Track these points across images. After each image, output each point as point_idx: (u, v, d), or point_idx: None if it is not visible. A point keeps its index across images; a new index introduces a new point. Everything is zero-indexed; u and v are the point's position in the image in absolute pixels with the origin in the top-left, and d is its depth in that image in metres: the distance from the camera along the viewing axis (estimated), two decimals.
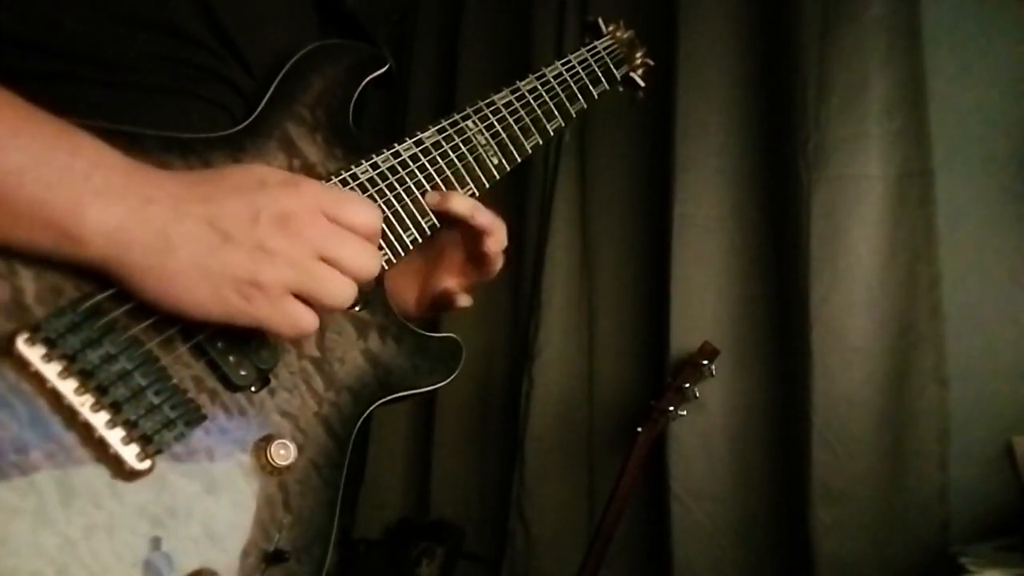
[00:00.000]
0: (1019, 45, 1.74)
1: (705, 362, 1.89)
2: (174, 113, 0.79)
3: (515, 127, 1.02)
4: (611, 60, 1.20)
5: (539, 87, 1.07)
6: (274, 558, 0.72)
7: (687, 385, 1.89)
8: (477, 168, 0.96)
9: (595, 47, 1.19)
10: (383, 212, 0.84)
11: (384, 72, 0.95)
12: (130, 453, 0.63)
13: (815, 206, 1.84)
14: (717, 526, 2.00)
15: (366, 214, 0.72)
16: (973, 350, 1.73)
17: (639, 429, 1.88)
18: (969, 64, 1.79)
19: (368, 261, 0.71)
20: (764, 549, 1.96)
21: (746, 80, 2.06)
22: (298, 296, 0.67)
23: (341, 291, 0.69)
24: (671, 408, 1.89)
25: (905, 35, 1.80)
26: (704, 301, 2.06)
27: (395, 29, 2.79)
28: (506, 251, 0.99)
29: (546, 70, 1.09)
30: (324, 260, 0.67)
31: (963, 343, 1.73)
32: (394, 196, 0.87)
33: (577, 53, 1.16)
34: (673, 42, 2.09)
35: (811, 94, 1.87)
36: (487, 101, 1.01)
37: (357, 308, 0.85)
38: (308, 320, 0.68)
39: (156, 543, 0.65)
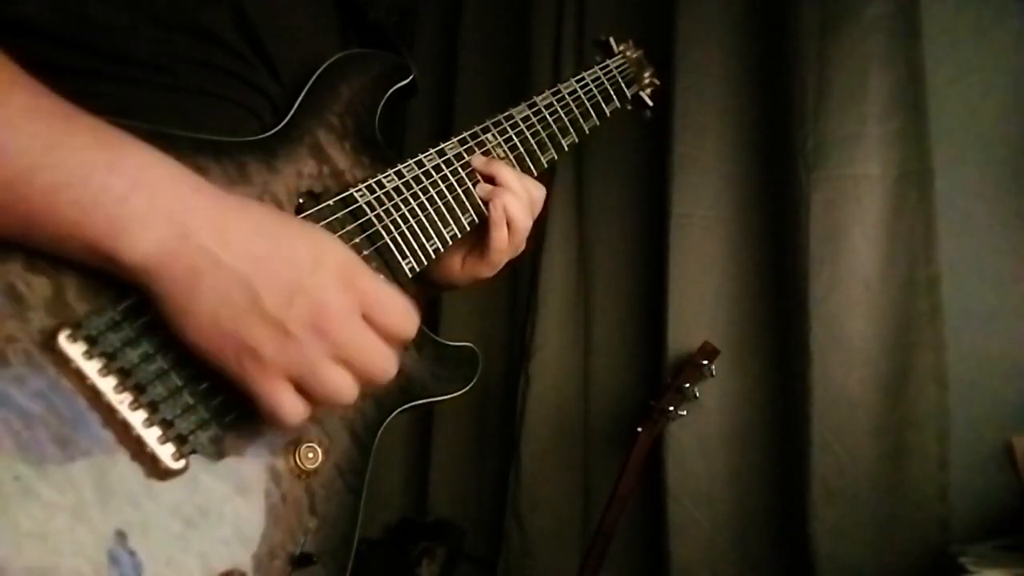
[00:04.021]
0: (1019, 45, 1.75)
1: (705, 362, 1.89)
2: (205, 115, 0.79)
3: (532, 141, 1.06)
4: (622, 78, 1.24)
5: (555, 103, 1.11)
6: (300, 561, 0.72)
7: (687, 385, 1.89)
8: None
9: (607, 65, 1.24)
10: (408, 220, 0.88)
11: (409, 82, 0.98)
12: (166, 452, 0.63)
13: (814, 206, 1.85)
14: (715, 526, 1.99)
15: (403, 321, 0.70)
16: (973, 350, 1.74)
17: (639, 429, 1.87)
18: (969, 64, 1.80)
19: (383, 368, 0.68)
20: (763, 550, 1.96)
21: (745, 79, 2.06)
22: (295, 385, 0.64)
23: (340, 393, 0.66)
24: (671, 408, 1.88)
25: (905, 35, 1.80)
26: (702, 301, 2.05)
27: (394, 30, 2.77)
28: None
29: (561, 86, 1.14)
30: (338, 361, 0.65)
31: (963, 343, 1.74)
32: (418, 205, 0.90)
33: (590, 71, 1.20)
34: (671, 41, 2.08)
35: (810, 94, 1.87)
36: (506, 115, 1.05)
37: None
38: (290, 411, 0.64)
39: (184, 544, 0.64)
